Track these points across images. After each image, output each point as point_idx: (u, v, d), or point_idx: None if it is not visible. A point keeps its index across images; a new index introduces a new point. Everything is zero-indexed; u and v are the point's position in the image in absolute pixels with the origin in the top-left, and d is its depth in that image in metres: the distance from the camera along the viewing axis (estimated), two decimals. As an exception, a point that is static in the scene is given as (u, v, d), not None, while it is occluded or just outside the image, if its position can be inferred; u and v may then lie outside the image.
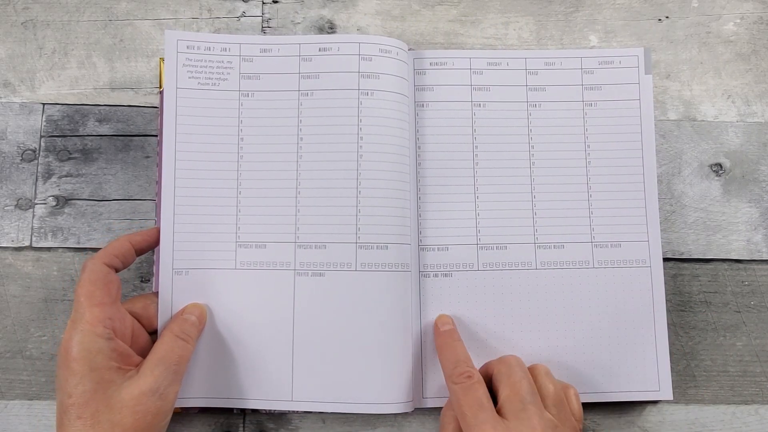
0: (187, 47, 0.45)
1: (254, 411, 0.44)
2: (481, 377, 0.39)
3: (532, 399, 0.38)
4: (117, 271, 0.40)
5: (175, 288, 0.42)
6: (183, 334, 0.40)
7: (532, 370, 0.41)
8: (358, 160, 0.44)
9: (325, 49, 0.45)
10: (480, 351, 0.44)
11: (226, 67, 0.45)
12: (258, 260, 0.43)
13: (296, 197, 0.44)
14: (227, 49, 0.45)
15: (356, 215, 0.43)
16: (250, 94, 0.45)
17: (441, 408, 0.44)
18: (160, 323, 0.42)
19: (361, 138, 0.44)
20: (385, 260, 0.43)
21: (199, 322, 0.41)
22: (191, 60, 0.45)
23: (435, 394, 0.44)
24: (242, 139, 0.44)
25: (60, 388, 0.36)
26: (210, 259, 0.43)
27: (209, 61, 0.45)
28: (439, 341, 0.43)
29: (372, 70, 0.45)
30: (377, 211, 0.43)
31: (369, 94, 0.44)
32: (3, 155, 0.47)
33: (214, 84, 0.45)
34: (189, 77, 0.45)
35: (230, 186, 0.44)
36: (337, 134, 0.44)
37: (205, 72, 0.45)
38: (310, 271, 0.43)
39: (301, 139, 0.44)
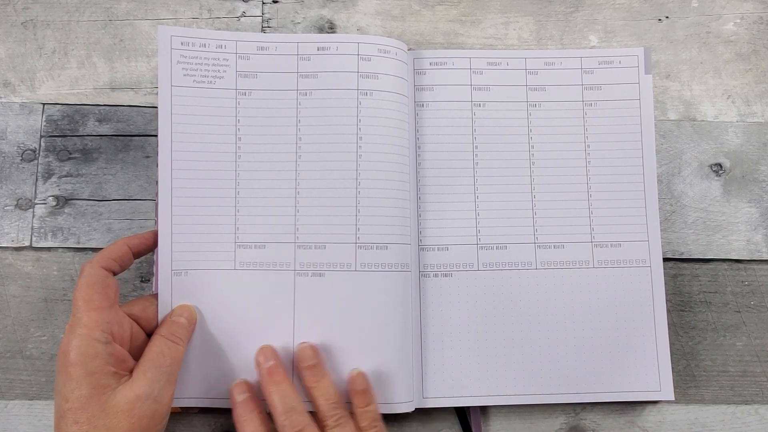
0: (182, 44, 0.44)
1: (254, 411, 0.44)
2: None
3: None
4: (115, 274, 0.40)
5: (175, 289, 0.42)
6: (172, 336, 0.40)
7: None
8: (357, 161, 0.44)
9: (323, 49, 0.45)
10: (480, 350, 0.44)
11: (222, 65, 0.44)
12: (258, 260, 0.43)
13: (296, 197, 0.44)
14: (223, 46, 0.45)
15: (356, 215, 0.43)
16: (247, 93, 0.45)
17: (441, 408, 0.44)
18: None
19: (361, 138, 0.44)
20: (385, 260, 0.43)
21: (188, 324, 0.41)
22: (186, 57, 0.44)
23: (435, 394, 0.44)
24: (240, 138, 0.44)
25: (58, 393, 0.36)
26: (209, 259, 0.43)
27: (204, 58, 0.44)
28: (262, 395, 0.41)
29: (371, 70, 0.44)
30: (377, 211, 0.43)
31: (368, 94, 0.44)
32: (3, 155, 0.47)
33: (210, 82, 0.44)
34: (184, 75, 0.44)
35: (228, 186, 0.44)
36: (337, 134, 0.44)
37: (201, 69, 0.44)
38: (310, 271, 0.43)
39: (300, 139, 0.44)
